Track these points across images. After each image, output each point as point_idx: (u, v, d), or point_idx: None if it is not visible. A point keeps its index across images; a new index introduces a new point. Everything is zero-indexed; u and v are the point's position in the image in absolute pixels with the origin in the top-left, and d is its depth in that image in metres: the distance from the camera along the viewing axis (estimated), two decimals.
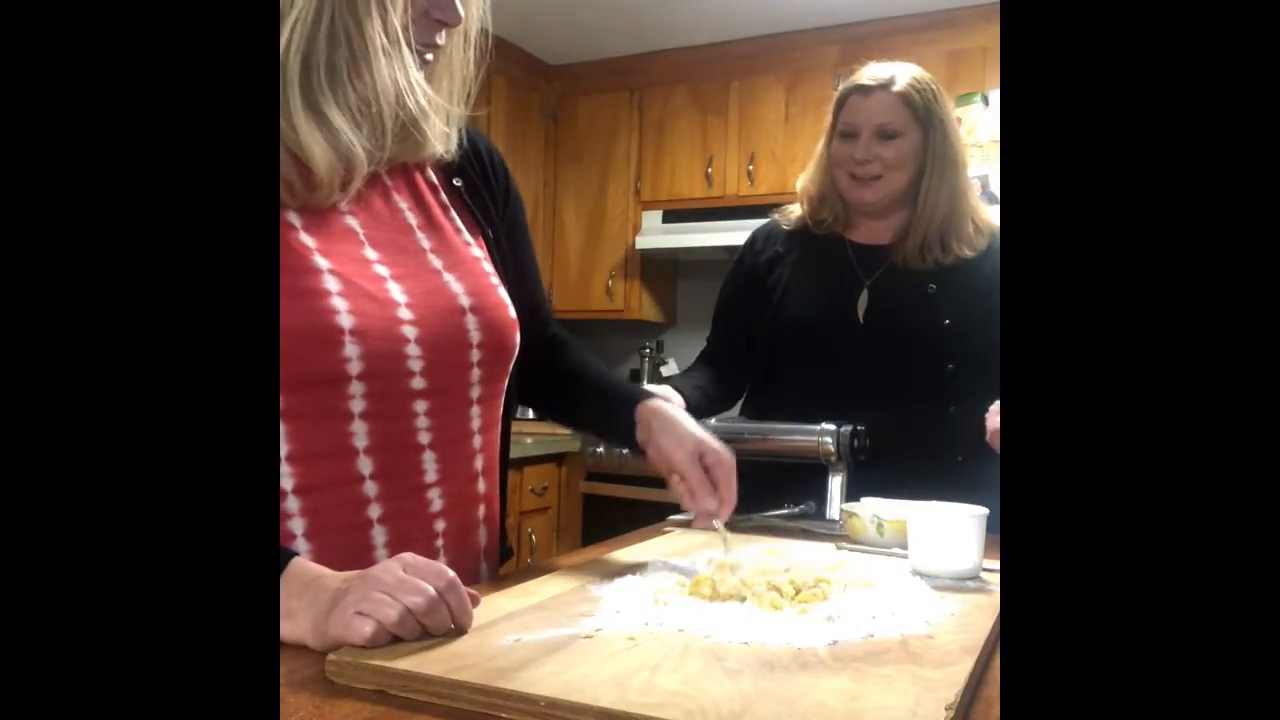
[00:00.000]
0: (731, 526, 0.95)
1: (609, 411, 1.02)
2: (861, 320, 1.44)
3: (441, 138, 0.87)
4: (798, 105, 3.18)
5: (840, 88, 1.51)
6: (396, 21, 0.77)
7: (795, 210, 1.56)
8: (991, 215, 1.50)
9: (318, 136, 0.76)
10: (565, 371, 1.06)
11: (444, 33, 0.83)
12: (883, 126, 1.42)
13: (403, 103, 0.80)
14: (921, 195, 1.44)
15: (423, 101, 0.81)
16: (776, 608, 0.75)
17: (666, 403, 0.99)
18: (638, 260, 3.42)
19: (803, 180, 1.56)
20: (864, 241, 1.50)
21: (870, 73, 1.46)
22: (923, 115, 1.43)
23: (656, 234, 3.34)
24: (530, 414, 3.10)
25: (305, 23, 0.74)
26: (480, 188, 0.96)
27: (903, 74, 1.45)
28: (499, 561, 0.96)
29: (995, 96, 2.73)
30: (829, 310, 1.46)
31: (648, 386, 1.02)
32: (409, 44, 0.79)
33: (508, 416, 0.96)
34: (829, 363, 1.44)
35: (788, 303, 1.48)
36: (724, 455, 0.95)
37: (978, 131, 2.70)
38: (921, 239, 1.43)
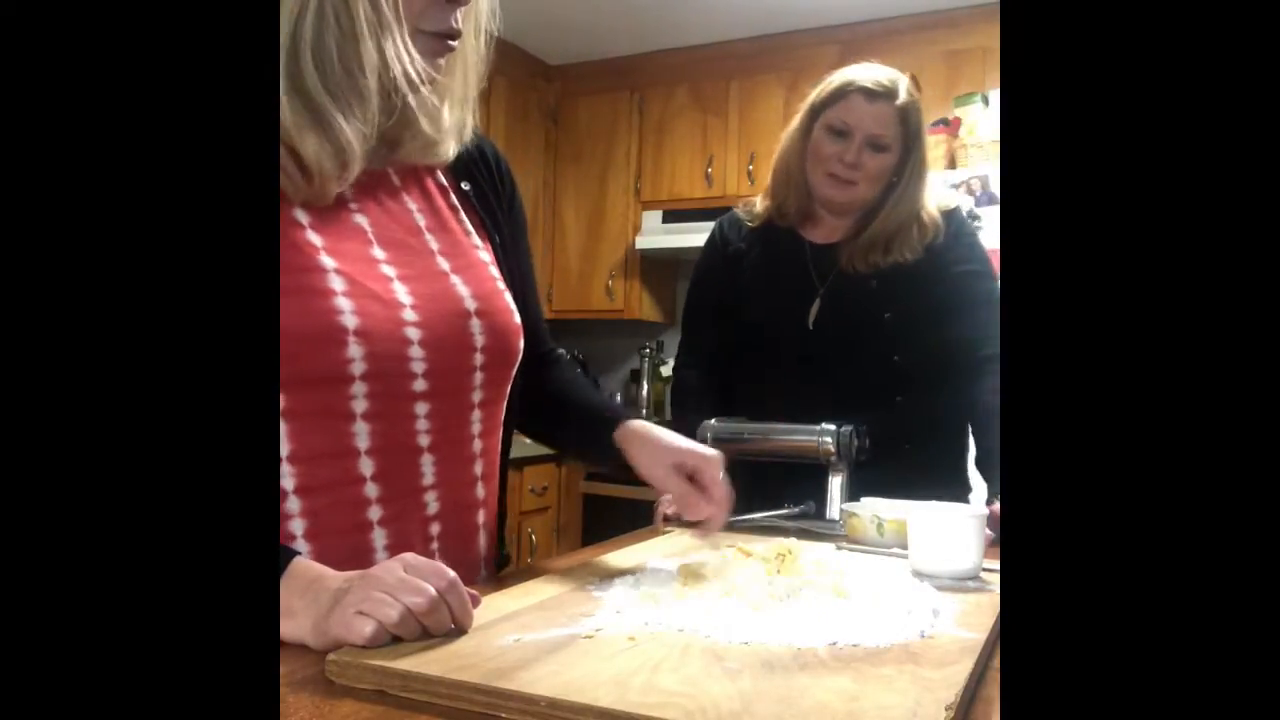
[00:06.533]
0: (731, 527, 0.95)
1: (590, 435, 1.01)
2: (811, 326, 1.47)
3: (455, 130, 0.86)
4: (798, 105, 3.15)
5: (837, 79, 1.48)
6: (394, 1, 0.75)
7: (758, 204, 1.57)
8: (938, 213, 1.47)
9: (306, 124, 0.74)
10: (549, 392, 1.04)
11: (459, 14, 0.80)
12: (878, 138, 1.42)
13: (399, 86, 0.77)
14: (889, 205, 1.45)
15: (416, 77, 0.78)
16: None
17: (645, 423, 0.98)
18: (637, 260, 3.42)
19: (776, 159, 1.56)
20: (821, 241, 1.51)
21: (873, 75, 1.44)
22: (912, 135, 1.44)
23: (656, 234, 3.34)
24: None
25: (294, 4, 0.72)
26: (488, 192, 0.96)
27: (901, 86, 1.44)
28: (495, 568, 0.96)
29: (995, 96, 2.73)
30: (783, 317, 1.49)
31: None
32: (404, 22, 0.76)
33: (509, 424, 0.96)
34: (779, 366, 1.49)
35: (747, 307, 1.51)
36: (704, 459, 0.93)
37: (978, 131, 2.70)
38: (869, 243, 1.44)
